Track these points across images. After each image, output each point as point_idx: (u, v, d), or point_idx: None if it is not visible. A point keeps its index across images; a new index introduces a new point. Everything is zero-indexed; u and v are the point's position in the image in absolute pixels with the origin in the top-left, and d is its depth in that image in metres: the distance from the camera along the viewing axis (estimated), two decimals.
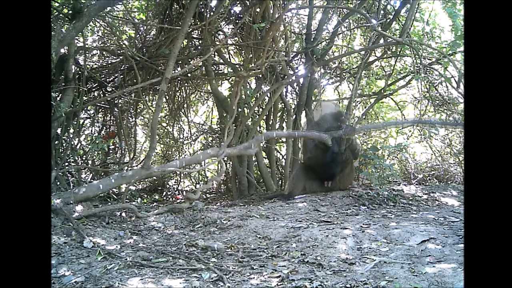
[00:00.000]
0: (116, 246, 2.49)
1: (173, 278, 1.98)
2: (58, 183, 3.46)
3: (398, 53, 5.01)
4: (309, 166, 3.95)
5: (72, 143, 4.19)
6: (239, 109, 4.51)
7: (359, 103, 5.93)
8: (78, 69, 4.00)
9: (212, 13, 4.39)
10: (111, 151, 5.02)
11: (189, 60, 4.77)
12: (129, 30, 4.96)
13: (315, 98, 5.37)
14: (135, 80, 4.46)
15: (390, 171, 3.66)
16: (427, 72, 4.39)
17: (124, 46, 4.30)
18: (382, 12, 5.01)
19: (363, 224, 2.74)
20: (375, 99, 5.52)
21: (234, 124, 4.23)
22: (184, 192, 5.30)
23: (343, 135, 3.77)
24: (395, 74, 5.40)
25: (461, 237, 2.32)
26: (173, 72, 3.95)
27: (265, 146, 5.25)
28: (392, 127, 5.55)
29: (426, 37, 4.91)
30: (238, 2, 4.84)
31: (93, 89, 4.80)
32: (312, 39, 4.83)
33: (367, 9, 5.04)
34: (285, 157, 5.29)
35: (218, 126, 5.71)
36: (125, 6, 4.59)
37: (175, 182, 5.90)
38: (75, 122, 4.25)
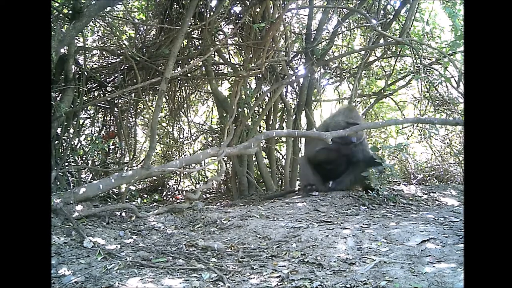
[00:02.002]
0: (116, 246, 2.49)
1: (173, 278, 1.98)
2: (58, 183, 3.46)
3: (398, 53, 5.01)
4: (315, 162, 3.88)
5: (72, 143, 4.19)
6: (239, 109, 4.51)
7: (359, 103, 5.93)
8: (78, 69, 4.00)
9: (212, 13, 4.39)
10: (111, 151, 5.02)
11: (189, 60, 4.77)
12: (129, 30, 4.96)
13: (315, 98, 5.38)
14: (135, 80, 4.46)
15: (390, 171, 3.66)
16: (427, 72, 4.39)
17: (124, 46, 4.30)
18: (382, 12, 5.01)
19: (363, 224, 2.74)
20: (375, 99, 5.52)
21: (234, 124, 4.23)
22: (184, 192, 5.30)
23: (347, 134, 3.71)
24: (395, 74, 5.41)
25: (461, 237, 2.32)
26: (173, 72, 3.94)
27: (265, 146, 5.25)
28: (392, 127, 5.55)
29: (426, 37, 4.92)
30: (238, 2, 4.84)
31: (93, 89, 4.80)
32: (312, 39, 4.84)
33: (367, 9, 5.04)
34: (285, 157, 5.29)
35: (218, 126, 5.71)
36: (125, 6, 4.59)
37: (175, 182, 5.90)
38: (75, 122, 4.25)
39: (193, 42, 5.06)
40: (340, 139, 3.62)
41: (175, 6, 4.48)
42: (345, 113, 3.83)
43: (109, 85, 4.84)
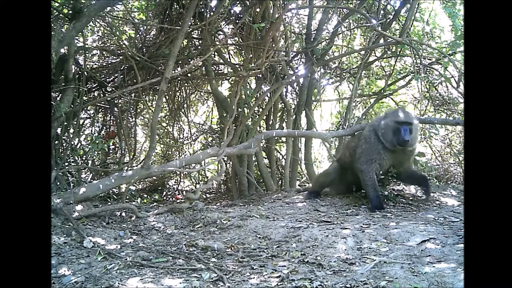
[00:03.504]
0: (116, 246, 2.49)
1: (173, 278, 1.98)
2: (58, 183, 3.46)
3: (398, 53, 5.01)
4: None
5: (72, 143, 4.19)
6: (239, 109, 4.51)
7: (359, 103, 5.93)
8: (78, 69, 4.00)
9: (212, 13, 4.39)
10: (111, 151, 5.02)
11: (189, 60, 4.77)
12: (129, 30, 4.96)
13: (315, 98, 5.38)
14: (135, 80, 4.46)
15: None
16: (427, 72, 4.38)
17: (124, 46, 4.30)
18: (382, 12, 5.01)
19: (363, 224, 2.74)
20: (375, 99, 5.52)
21: (234, 124, 4.23)
22: (184, 192, 5.30)
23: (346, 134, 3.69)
24: (395, 74, 5.41)
25: (461, 237, 2.32)
26: (173, 72, 3.94)
27: (265, 146, 5.25)
28: None
29: (426, 37, 4.92)
30: (238, 2, 4.83)
31: (93, 89, 4.80)
32: (312, 39, 4.84)
33: (367, 9, 5.04)
34: (285, 157, 5.29)
35: (218, 126, 5.71)
36: (125, 6, 4.59)
37: (175, 182, 5.90)
38: (75, 122, 4.25)
39: (193, 42, 5.06)
40: (392, 142, 3.27)
41: (175, 6, 4.47)
42: (394, 113, 3.40)
43: (109, 85, 4.84)
